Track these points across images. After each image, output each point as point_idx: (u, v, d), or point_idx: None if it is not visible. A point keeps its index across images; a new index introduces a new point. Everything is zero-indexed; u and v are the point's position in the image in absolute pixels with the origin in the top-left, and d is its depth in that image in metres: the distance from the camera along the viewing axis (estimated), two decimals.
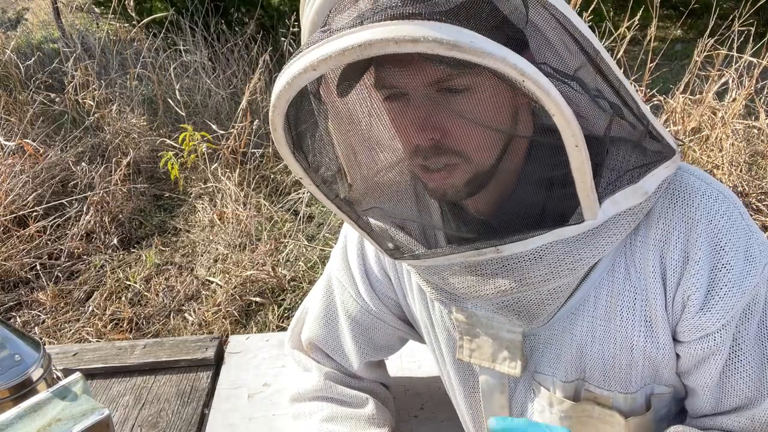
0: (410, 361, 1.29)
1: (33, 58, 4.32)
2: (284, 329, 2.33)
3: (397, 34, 0.51)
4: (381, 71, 0.66)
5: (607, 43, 3.52)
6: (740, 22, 3.34)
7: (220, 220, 3.22)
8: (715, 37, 3.41)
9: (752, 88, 3.37)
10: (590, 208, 0.64)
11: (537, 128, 0.70)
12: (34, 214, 3.19)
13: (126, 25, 5.50)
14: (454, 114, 0.64)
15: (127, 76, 4.26)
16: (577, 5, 3.29)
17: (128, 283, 2.82)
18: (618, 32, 3.38)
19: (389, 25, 0.52)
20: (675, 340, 0.75)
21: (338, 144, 0.73)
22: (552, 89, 0.54)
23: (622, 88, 0.63)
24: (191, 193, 3.53)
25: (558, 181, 0.67)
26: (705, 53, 3.38)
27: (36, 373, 0.86)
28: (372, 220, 0.78)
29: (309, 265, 2.90)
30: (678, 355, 0.76)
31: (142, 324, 2.58)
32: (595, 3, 3.36)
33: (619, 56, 3.37)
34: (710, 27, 3.44)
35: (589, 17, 3.48)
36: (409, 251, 0.77)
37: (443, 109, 0.65)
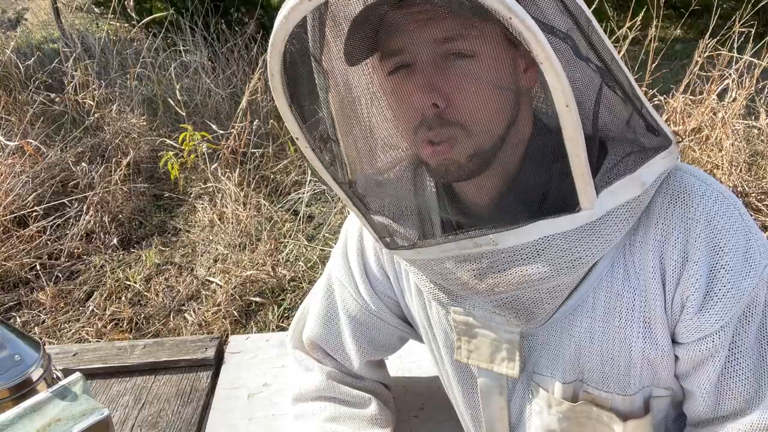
0: (410, 361, 1.29)
1: (33, 58, 4.31)
2: (284, 329, 2.33)
3: None
4: (383, 34, 0.66)
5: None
6: (741, 23, 3.34)
7: (220, 220, 3.22)
8: (716, 38, 3.41)
9: (752, 88, 3.37)
10: (586, 193, 0.63)
11: (536, 120, 0.70)
12: (34, 214, 3.19)
13: (126, 25, 5.50)
14: (456, 78, 0.64)
15: (127, 76, 4.26)
16: None
17: (128, 283, 2.82)
18: (620, 32, 3.38)
19: None
20: (674, 341, 0.75)
21: (337, 112, 0.72)
22: (540, 34, 0.54)
23: (614, 63, 0.63)
24: (191, 193, 3.53)
25: (555, 168, 0.67)
26: (707, 53, 3.38)
27: (36, 373, 0.86)
28: (368, 204, 0.78)
29: (309, 265, 2.90)
30: (677, 357, 0.76)
31: (142, 324, 2.58)
32: (596, 3, 3.35)
33: (620, 57, 3.37)
34: (711, 28, 3.44)
35: None
36: (406, 240, 0.77)
37: (446, 74, 0.65)
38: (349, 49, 0.68)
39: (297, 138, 0.70)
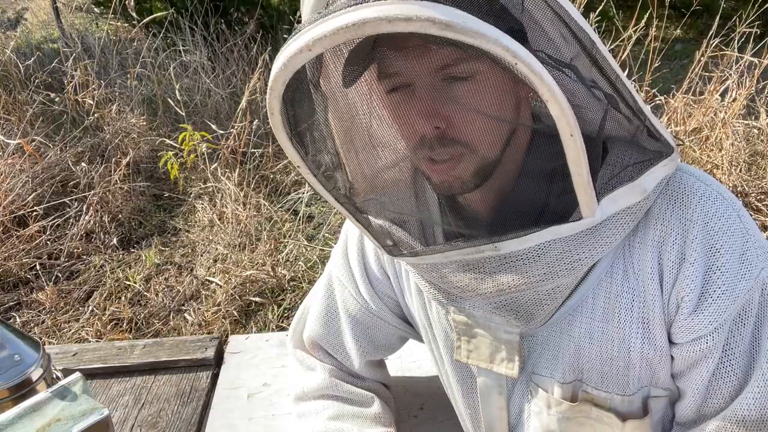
0: (410, 361, 1.29)
1: (33, 58, 4.31)
2: (284, 329, 2.33)
3: (390, 13, 0.52)
4: (383, 59, 0.66)
5: (613, 45, 3.52)
6: (746, 23, 3.34)
7: (219, 220, 3.22)
8: (719, 38, 3.41)
9: (753, 88, 3.37)
10: (588, 204, 0.64)
11: (535, 128, 0.70)
12: (34, 214, 3.19)
13: (126, 25, 5.50)
14: (457, 102, 0.64)
15: (127, 76, 4.26)
16: (582, 5, 3.29)
17: (128, 283, 2.82)
18: (626, 34, 3.38)
19: (384, 4, 0.52)
20: (669, 341, 0.75)
21: (338, 136, 0.72)
22: (545, 74, 0.54)
23: (619, 81, 0.63)
24: (191, 193, 3.53)
25: (557, 178, 0.67)
26: (710, 53, 3.37)
27: (36, 373, 0.86)
28: (370, 217, 0.78)
29: (309, 265, 2.90)
30: (672, 357, 0.76)
31: (142, 324, 2.58)
32: (603, 3, 3.35)
33: (623, 57, 3.37)
34: (714, 28, 3.43)
35: (597, 18, 3.47)
36: (408, 247, 0.77)
37: (447, 98, 0.65)
38: (348, 74, 0.68)
39: (298, 166, 0.70)
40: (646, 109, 0.66)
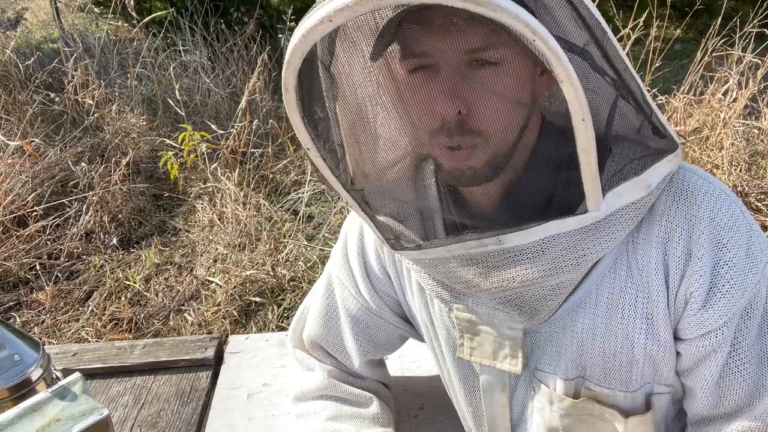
0: (410, 361, 1.28)
1: (33, 58, 4.31)
2: (284, 329, 2.33)
3: None
4: (409, 37, 0.65)
5: None
6: (757, 23, 3.33)
7: (219, 220, 3.21)
8: (721, 38, 3.40)
9: (755, 88, 3.37)
10: (594, 196, 0.64)
11: (546, 123, 0.71)
12: (34, 214, 3.19)
13: (126, 24, 5.50)
14: (479, 86, 0.64)
15: (127, 76, 4.26)
16: None
17: (128, 283, 2.82)
18: (624, 32, 3.38)
19: None
20: (676, 338, 0.75)
21: (353, 118, 0.71)
22: (561, 53, 0.55)
23: (627, 73, 0.63)
24: (191, 193, 3.53)
25: (563, 172, 0.67)
26: (716, 54, 3.37)
27: (35, 373, 0.86)
28: (376, 207, 0.78)
29: (309, 265, 2.90)
30: (678, 353, 0.76)
31: (142, 324, 2.58)
32: (597, 1, 3.35)
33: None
34: (716, 28, 3.43)
35: None
36: (411, 241, 0.77)
37: (470, 81, 0.65)
38: (370, 52, 0.67)
39: (308, 148, 0.70)
40: (653, 103, 0.66)
